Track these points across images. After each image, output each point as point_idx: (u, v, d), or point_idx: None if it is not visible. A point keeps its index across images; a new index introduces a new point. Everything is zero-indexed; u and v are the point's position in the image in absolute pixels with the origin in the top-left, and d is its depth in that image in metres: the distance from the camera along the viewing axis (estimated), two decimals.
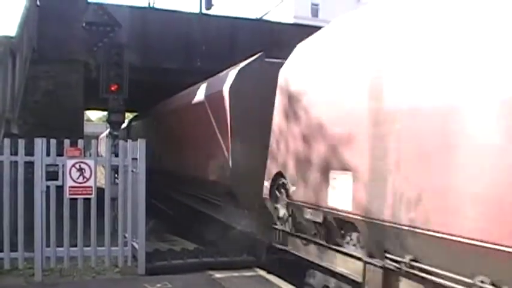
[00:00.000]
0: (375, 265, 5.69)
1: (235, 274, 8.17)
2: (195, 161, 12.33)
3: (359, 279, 6.02)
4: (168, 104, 15.95)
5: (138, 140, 8.28)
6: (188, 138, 13.15)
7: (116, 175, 8.64)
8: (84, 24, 13.70)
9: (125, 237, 8.30)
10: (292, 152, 7.44)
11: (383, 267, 5.54)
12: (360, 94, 5.86)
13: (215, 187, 10.58)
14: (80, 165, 7.79)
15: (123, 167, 8.30)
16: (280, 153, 7.83)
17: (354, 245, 6.24)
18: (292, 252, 7.77)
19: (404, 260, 5.10)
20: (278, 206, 7.91)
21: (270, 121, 8.18)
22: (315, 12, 56.74)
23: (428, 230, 4.63)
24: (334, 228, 6.53)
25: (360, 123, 5.78)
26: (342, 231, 6.41)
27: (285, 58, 8.19)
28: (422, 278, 4.91)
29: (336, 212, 6.24)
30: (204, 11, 17.83)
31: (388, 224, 5.19)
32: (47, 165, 7.74)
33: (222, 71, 11.05)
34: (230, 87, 9.27)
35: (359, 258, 6.05)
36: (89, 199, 7.90)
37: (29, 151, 7.74)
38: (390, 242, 5.33)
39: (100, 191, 8.03)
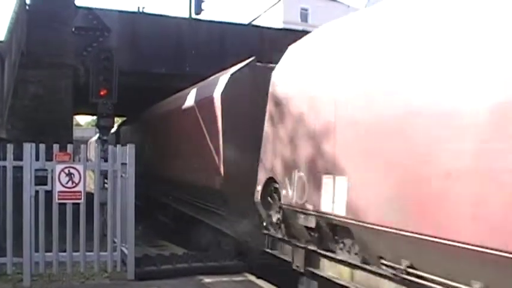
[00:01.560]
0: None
1: (225, 279, 8.17)
2: (186, 166, 12.32)
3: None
4: (157, 109, 15.96)
5: (128, 145, 8.27)
6: (177, 143, 13.14)
7: (106, 180, 8.62)
8: (73, 29, 13.70)
9: (114, 242, 8.28)
10: (284, 157, 7.40)
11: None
12: (348, 100, 5.95)
13: (206, 192, 10.59)
14: (69, 170, 7.76)
15: (113, 172, 8.29)
16: (272, 158, 7.81)
17: (348, 250, 6.22)
18: (283, 258, 7.72)
19: (400, 267, 5.09)
20: (271, 211, 7.90)
21: (262, 126, 8.17)
22: (304, 17, 56.90)
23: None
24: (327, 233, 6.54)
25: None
26: (336, 237, 6.36)
27: (275, 63, 8.21)
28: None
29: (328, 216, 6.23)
30: (193, 15, 17.87)
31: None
32: (36, 170, 7.71)
33: (211, 75, 11.08)
34: (222, 93, 9.27)
35: (350, 264, 6.08)
36: (78, 204, 7.88)
37: (18, 156, 7.71)
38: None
39: (89, 196, 8.01)
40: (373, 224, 5.32)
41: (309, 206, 6.62)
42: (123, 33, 15.44)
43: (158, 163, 15.33)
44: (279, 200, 7.51)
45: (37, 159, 7.73)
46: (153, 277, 8.07)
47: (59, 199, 7.74)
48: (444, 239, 4.34)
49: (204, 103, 10.31)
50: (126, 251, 8.18)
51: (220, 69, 10.73)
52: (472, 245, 4.05)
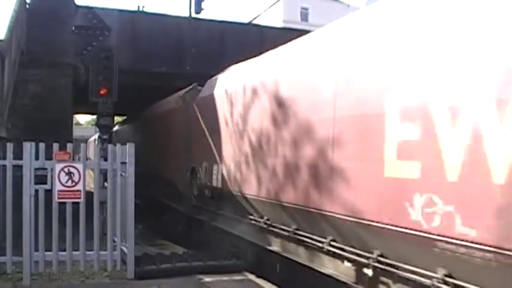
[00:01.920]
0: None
1: (225, 278, 8.17)
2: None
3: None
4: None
5: (127, 144, 8.27)
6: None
7: (106, 179, 8.62)
8: (73, 28, 13.69)
9: (114, 241, 8.28)
10: (198, 154, 11.55)
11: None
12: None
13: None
14: (68, 169, 7.76)
15: (112, 170, 8.29)
16: (193, 154, 11.93)
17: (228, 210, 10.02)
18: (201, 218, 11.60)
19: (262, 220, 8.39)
20: (193, 189, 11.88)
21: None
22: (304, 17, 56.90)
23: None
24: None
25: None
26: (221, 201, 10.31)
27: None
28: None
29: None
30: (193, 14, 17.86)
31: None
32: (36, 169, 7.71)
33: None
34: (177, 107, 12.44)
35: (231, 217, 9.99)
36: (78, 203, 7.88)
37: (18, 155, 7.72)
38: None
39: (89, 195, 8.01)
40: (235, 191, 9.15)
41: (209, 184, 10.66)
42: (123, 32, 15.45)
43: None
44: (197, 181, 11.49)
45: (37, 158, 7.74)
46: (153, 276, 8.06)
47: (58, 198, 7.74)
48: (275, 200, 7.58)
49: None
50: (125, 249, 8.19)
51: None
52: (288, 203, 7.20)
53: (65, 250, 7.96)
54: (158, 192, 15.73)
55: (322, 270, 6.68)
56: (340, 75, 6.08)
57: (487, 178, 3.96)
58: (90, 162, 8.55)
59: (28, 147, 7.69)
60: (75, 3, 14.42)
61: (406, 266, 5.08)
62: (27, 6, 12.86)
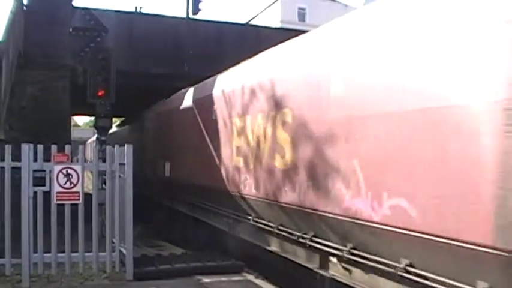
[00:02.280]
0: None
1: (224, 279, 8.17)
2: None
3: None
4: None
5: (125, 145, 8.26)
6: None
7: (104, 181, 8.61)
8: (71, 29, 13.67)
9: (113, 242, 8.27)
10: (164, 153, 14.41)
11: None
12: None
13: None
14: (67, 171, 7.76)
15: (111, 172, 8.29)
16: (163, 153, 14.63)
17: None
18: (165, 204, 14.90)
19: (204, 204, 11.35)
20: (163, 181, 14.67)
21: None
22: (301, 17, 56.90)
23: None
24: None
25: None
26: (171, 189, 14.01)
27: None
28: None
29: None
30: (191, 15, 17.85)
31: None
32: (34, 171, 7.71)
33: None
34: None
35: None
36: (76, 205, 7.87)
37: (16, 157, 7.71)
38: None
39: (87, 197, 8.01)
40: (178, 178, 13.06)
41: (167, 176, 13.85)
42: (121, 33, 15.44)
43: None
44: (165, 175, 14.09)
45: (35, 160, 7.73)
46: (152, 277, 8.06)
47: (57, 200, 7.74)
48: (218, 189, 9.75)
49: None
50: (124, 251, 8.18)
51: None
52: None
53: (63, 252, 7.95)
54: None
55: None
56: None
57: None
58: (88, 164, 8.53)
59: (26, 149, 7.68)
60: (72, 5, 14.40)
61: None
62: (25, 8, 12.84)
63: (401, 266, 4.94)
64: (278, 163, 7.30)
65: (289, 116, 7.01)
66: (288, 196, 6.98)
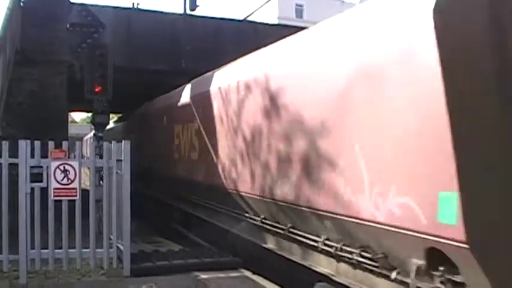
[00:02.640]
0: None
1: (221, 275, 8.18)
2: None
3: None
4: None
5: (123, 141, 8.26)
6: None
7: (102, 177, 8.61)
8: (68, 26, 13.63)
9: (110, 238, 8.28)
10: (149, 151, 16.18)
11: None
12: None
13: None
14: (64, 167, 7.76)
15: (108, 168, 8.28)
16: (148, 151, 16.27)
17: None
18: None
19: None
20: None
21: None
22: (299, 13, 56.90)
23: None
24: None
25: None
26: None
27: None
28: None
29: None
30: (188, 11, 17.81)
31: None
32: (31, 167, 7.71)
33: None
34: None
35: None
36: (74, 201, 7.87)
37: (13, 153, 7.70)
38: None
39: (85, 193, 8.01)
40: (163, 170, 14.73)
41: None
42: (118, 29, 15.38)
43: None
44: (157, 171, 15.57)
45: (32, 156, 7.73)
46: (149, 273, 8.07)
47: (54, 196, 7.74)
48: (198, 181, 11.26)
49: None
50: (121, 247, 8.19)
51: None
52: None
53: (61, 248, 7.96)
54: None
55: None
56: None
57: None
58: (85, 160, 8.52)
59: (23, 145, 7.68)
60: (69, 1, 14.36)
61: None
62: (21, 4, 12.80)
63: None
64: None
65: None
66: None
